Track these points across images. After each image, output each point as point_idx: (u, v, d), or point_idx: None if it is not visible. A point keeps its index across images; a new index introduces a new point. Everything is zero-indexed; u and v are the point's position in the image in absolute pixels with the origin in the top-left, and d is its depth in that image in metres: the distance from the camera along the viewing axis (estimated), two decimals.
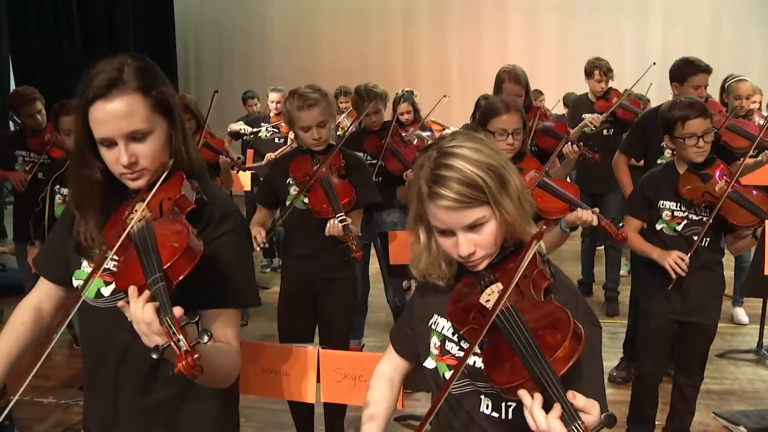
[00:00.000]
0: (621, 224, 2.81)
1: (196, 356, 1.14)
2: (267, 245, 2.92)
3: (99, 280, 1.52)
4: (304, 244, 3.03)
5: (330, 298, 3.08)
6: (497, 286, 1.35)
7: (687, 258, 2.80)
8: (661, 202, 2.92)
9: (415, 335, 1.59)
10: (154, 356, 1.17)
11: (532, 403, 1.14)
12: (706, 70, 3.86)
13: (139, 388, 1.54)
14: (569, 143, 3.56)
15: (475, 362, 1.40)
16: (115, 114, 1.40)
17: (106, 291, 1.52)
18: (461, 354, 1.43)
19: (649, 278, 3.04)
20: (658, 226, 2.92)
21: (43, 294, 1.68)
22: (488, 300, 1.34)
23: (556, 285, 1.38)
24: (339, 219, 2.81)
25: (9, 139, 4.67)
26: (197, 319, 1.22)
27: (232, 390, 1.66)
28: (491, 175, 1.33)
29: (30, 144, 4.37)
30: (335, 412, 3.16)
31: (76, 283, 1.58)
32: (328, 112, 2.90)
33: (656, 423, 3.24)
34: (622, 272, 5.60)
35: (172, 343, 1.15)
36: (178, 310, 1.18)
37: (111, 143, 1.43)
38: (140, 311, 1.19)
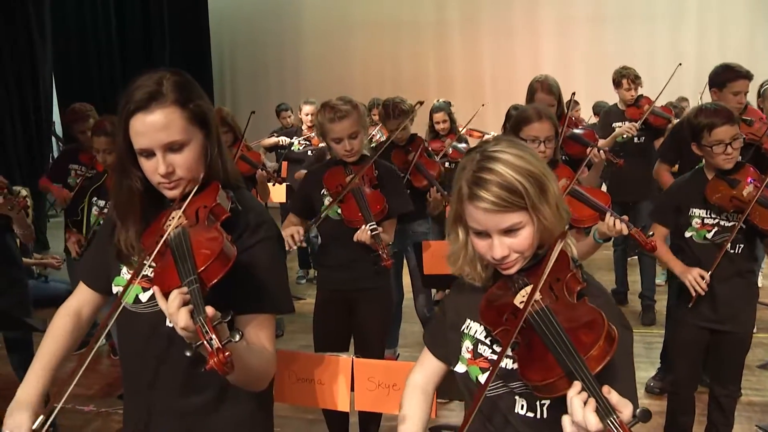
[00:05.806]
0: (651, 233, 2.78)
1: (227, 354, 1.19)
2: (303, 244, 2.93)
3: (138, 286, 1.57)
4: (339, 254, 3.06)
5: (364, 308, 3.11)
6: (531, 288, 1.37)
7: (708, 276, 2.77)
8: (691, 209, 2.86)
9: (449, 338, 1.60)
10: (188, 353, 1.22)
11: (574, 393, 1.17)
12: (747, 76, 3.78)
13: (176, 391, 1.58)
14: (595, 149, 3.55)
15: (506, 364, 1.41)
16: (154, 126, 1.46)
17: (144, 297, 1.57)
18: (494, 357, 1.45)
19: (680, 286, 3.00)
20: (687, 234, 2.87)
21: (82, 299, 1.75)
22: (522, 301, 1.36)
23: (589, 289, 1.40)
24: (370, 228, 2.85)
25: (66, 153, 4.91)
26: (229, 318, 1.26)
27: (266, 394, 1.69)
28: (531, 182, 1.36)
29: (81, 158, 4.53)
30: (369, 422, 3.16)
31: (115, 289, 1.64)
32: (359, 123, 2.94)
33: None
34: (659, 281, 5.54)
35: (205, 342, 1.20)
36: (210, 310, 1.23)
37: (150, 154, 1.49)
38: (174, 310, 1.24)
